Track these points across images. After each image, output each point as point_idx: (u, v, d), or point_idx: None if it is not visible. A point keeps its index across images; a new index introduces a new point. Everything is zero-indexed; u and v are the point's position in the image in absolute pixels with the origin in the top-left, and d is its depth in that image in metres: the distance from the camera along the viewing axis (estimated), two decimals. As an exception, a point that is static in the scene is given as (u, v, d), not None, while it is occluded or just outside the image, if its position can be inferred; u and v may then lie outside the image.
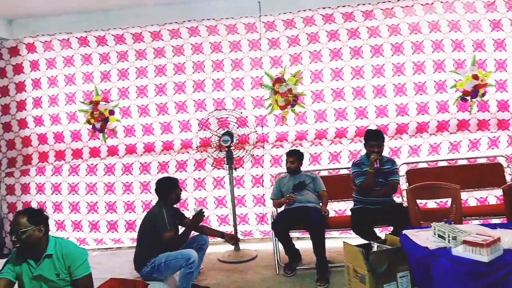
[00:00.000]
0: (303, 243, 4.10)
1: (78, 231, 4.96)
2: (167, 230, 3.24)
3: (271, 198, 4.20)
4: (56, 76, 4.87)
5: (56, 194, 4.96)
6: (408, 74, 4.49)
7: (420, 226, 2.89)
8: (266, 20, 4.63)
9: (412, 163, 4.49)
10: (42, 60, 4.87)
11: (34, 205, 4.89)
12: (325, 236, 3.64)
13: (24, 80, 4.89)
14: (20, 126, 4.93)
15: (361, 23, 4.51)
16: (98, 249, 4.91)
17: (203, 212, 3.50)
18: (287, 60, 4.70)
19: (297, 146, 4.55)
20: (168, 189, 3.46)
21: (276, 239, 3.86)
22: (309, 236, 3.67)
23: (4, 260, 2.43)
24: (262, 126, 4.73)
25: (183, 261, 3.10)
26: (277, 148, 4.77)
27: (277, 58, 4.72)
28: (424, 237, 2.41)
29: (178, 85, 4.79)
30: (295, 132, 4.74)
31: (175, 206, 3.61)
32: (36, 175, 4.99)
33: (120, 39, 4.78)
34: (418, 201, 3.46)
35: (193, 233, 3.55)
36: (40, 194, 4.98)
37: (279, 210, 4.10)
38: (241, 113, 4.53)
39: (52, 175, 4.97)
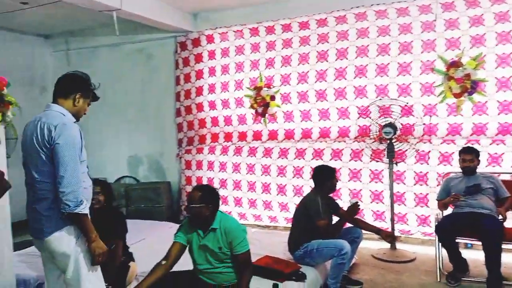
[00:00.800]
0: (472, 252, 3.68)
1: (239, 207, 5.44)
2: (321, 218, 3.27)
3: (436, 199, 3.81)
4: (228, 64, 5.36)
5: (222, 172, 5.52)
6: None
7: None
8: (444, 0, 4.17)
9: None
10: (218, 50, 5.42)
11: (205, 180, 5.57)
12: (502, 248, 3.14)
13: (203, 68, 5.54)
14: (198, 109, 5.63)
15: None
16: (257, 225, 5.29)
17: (359, 205, 3.40)
18: (467, 41, 4.14)
19: (472, 143, 4.00)
20: (325, 177, 3.47)
21: (440, 244, 3.51)
22: (480, 245, 3.23)
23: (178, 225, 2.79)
24: (430, 116, 4.31)
25: (335, 251, 3.09)
26: (448, 144, 4.27)
27: (454, 40, 4.21)
28: None
29: (339, 71, 4.73)
30: (471, 125, 4.18)
31: (330, 195, 3.61)
32: (208, 153, 5.63)
33: (287, 27, 4.95)
34: None
35: (347, 225, 3.50)
36: (210, 171, 5.61)
37: (445, 213, 3.70)
38: (407, 103, 4.20)
39: (220, 155, 5.53)
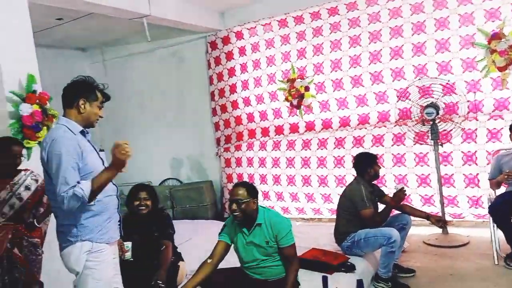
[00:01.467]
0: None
1: (281, 201, 5.46)
2: (366, 207, 3.23)
3: (488, 179, 3.66)
4: (259, 59, 5.38)
5: (262, 167, 5.56)
6: None
7: None
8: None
9: None
10: (248, 45, 5.45)
11: (245, 177, 5.64)
12: None
13: (234, 66, 5.59)
14: (233, 107, 5.69)
15: None
16: (301, 219, 5.31)
17: (405, 190, 3.33)
18: (508, 11, 3.94)
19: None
20: (366, 164, 3.42)
21: (495, 225, 3.37)
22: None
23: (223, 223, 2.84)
24: (474, 93, 4.13)
25: (383, 239, 3.05)
26: (495, 120, 4.09)
27: (494, 10, 4.00)
28: None
29: (373, 55, 4.63)
30: (519, 98, 3.97)
31: (373, 183, 3.55)
32: (246, 150, 5.70)
33: (316, 15, 4.90)
34: None
35: (394, 212, 3.44)
36: (250, 167, 5.67)
37: (498, 192, 3.55)
38: (448, 80, 4.05)
39: (258, 150, 5.58)
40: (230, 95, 5.69)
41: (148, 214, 3.01)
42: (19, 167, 2.72)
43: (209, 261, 2.58)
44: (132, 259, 2.77)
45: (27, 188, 2.67)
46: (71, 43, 6.43)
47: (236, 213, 2.56)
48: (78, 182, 1.95)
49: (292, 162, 5.29)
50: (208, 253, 2.66)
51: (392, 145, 4.62)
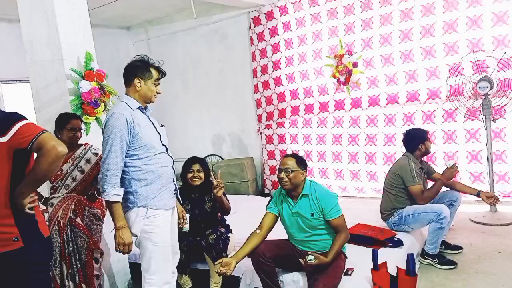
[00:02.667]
0: None
1: (324, 178, 5.56)
2: (414, 183, 3.28)
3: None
4: (305, 34, 5.40)
5: (307, 144, 5.65)
6: None
7: None
8: None
9: None
10: (293, 20, 5.48)
11: (289, 153, 5.74)
12: None
13: (278, 42, 5.65)
14: (276, 83, 5.78)
15: None
16: (343, 196, 5.39)
17: (457, 167, 3.34)
18: None
19: None
20: (417, 140, 3.44)
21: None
22: None
23: (268, 198, 2.97)
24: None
25: (433, 215, 3.10)
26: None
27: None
28: None
29: (425, 28, 4.55)
30: None
31: (423, 159, 3.57)
32: (289, 127, 5.79)
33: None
34: None
35: (444, 189, 3.46)
36: (294, 143, 5.78)
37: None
38: (505, 53, 3.94)
39: (303, 127, 5.66)
40: (273, 71, 5.77)
41: (201, 186, 3.20)
42: (80, 142, 2.95)
43: (258, 231, 2.70)
44: (188, 231, 2.97)
45: (88, 161, 2.88)
46: (116, 22, 6.70)
47: (283, 182, 2.67)
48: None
49: (340, 139, 5.35)
50: (252, 226, 2.77)
51: (443, 122, 4.60)
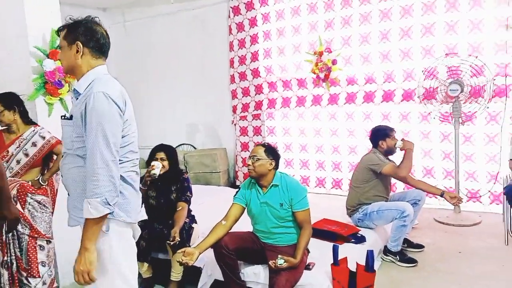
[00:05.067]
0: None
1: (305, 169, 5.67)
2: (385, 163, 3.41)
3: (509, 160, 3.72)
4: (284, 27, 5.42)
5: (287, 136, 5.76)
6: None
7: None
8: None
9: None
10: (272, 12, 5.49)
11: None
12: None
13: (257, 33, 5.66)
14: (254, 75, 5.77)
15: None
16: (320, 193, 5.44)
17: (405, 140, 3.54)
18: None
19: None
20: (378, 137, 3.57)
21: (509, 206, 3.48)
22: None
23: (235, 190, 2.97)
24: (505, 76, 4.14)
25: (397, 213, 3.19)
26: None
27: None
28: None
29: (403, 30, 4.64)
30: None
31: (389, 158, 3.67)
32: (266, 119, 5.83)
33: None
34: None
35: (409, 187, 3.55)
36: (271, 136, 5.84)
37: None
38: (476, 57, 4.08)
39: (281, 120, 5.75)
40: (250, 62, 5.77)
41: (165, 175, 3.16)
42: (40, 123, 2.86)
43: (223, 223, 2.70)
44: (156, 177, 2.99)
45: (34, 144, 2.78)
46: (92, 2, 6.54)
47: (249, 168, 2.73)
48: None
49: (320, 132, 5.50)
50: (219, 217, 2.77)
51: (420, 123, 4.77)
